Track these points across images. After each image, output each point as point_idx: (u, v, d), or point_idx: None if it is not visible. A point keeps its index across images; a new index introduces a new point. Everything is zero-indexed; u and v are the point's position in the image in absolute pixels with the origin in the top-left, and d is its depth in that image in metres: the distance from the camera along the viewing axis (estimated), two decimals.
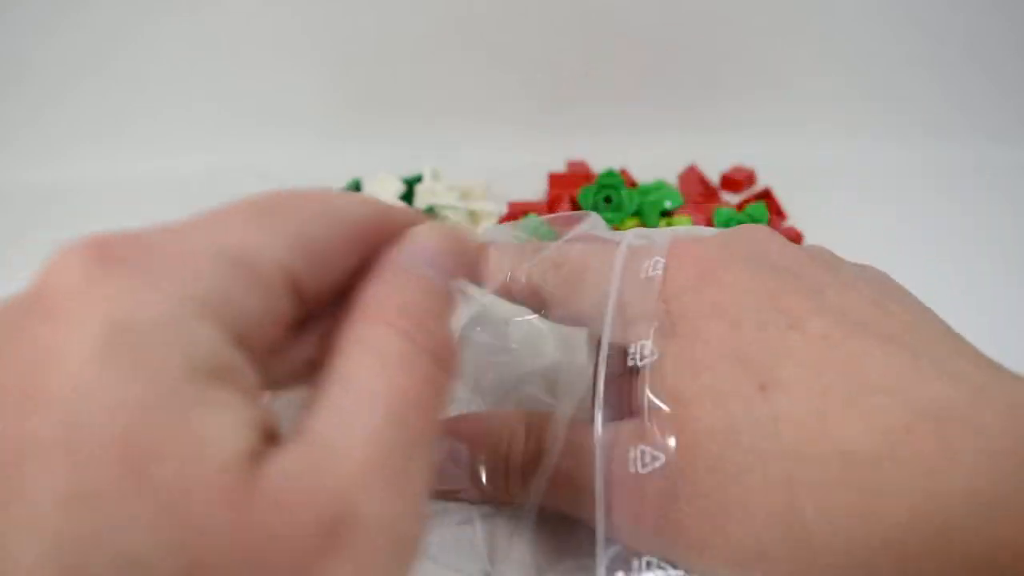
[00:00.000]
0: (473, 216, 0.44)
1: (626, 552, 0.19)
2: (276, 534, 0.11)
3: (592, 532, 0.20)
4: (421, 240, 0.16)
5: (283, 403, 0.16)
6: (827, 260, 0.22)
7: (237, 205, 0.14)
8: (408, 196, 0.45)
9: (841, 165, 0.51)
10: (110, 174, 0.52)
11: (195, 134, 0.55)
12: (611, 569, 0.19)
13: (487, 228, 0.32)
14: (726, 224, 0.42)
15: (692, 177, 0.48)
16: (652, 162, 0.48)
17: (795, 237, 0.41)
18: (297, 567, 0.11)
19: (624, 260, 0.22)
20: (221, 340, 0.12)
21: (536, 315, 0.25)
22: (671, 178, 0.48)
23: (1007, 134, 0.53)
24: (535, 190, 0.48)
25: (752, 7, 0.53)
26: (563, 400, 0.22)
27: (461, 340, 0.18)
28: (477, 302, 0.18)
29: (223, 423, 0.12)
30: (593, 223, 0.25)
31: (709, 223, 0.43)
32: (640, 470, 0.19)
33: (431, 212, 0.42)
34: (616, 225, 0.42)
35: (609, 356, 0.21)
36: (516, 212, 0.44)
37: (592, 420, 0.20)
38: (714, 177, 0.49)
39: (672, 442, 0.19)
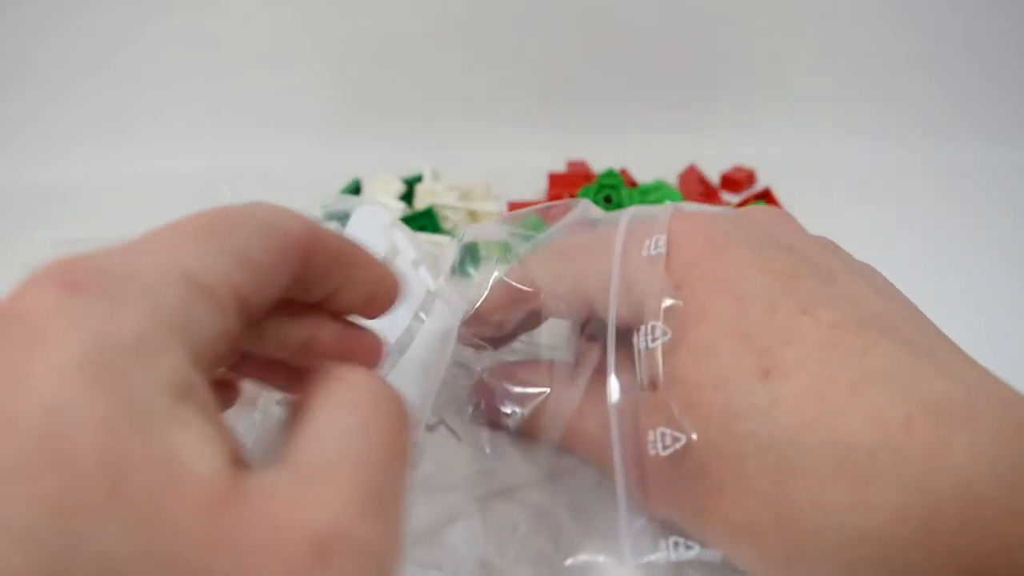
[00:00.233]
0: (473, 216, 0.44)
1: (651, 529, 0.20)
2: (266, 547, 0.12)
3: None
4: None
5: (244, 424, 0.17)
6: (834, 249, 0.22)
7: (185, 225, 0.15)
8: (408, 196, 0.45)
9: (841, 165, 0.51)
10: (110, 174, 0.52)
11: (195, 134, 0.55)
12: (637, 551, 0.19)
13: (476, 226, 0.32)
14: None
15: (692, 177, 0.48)
16: (652, 162, 0.48)
17: None
18: None
19: (624, 240, 0.22)
20: (185, 361, 0.13)
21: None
22: (671, 178, 0.48)
23: (1007, 134, 0.53)
24: (535, 190, 0.48)
25: (752, 7, 0.53)
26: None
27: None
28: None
29: (194, 438, 0.13)
30: (584, 208, 0.25)
31: None
32: (661, 452, 0.19)
33: (431, 212, 0.42)
34: None
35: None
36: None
37: (608, 399, 0.21)
38: (714, 177, 0.49)
39: (690, 425, 0.19)
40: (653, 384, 0.20)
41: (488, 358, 0.27)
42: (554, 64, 0.54)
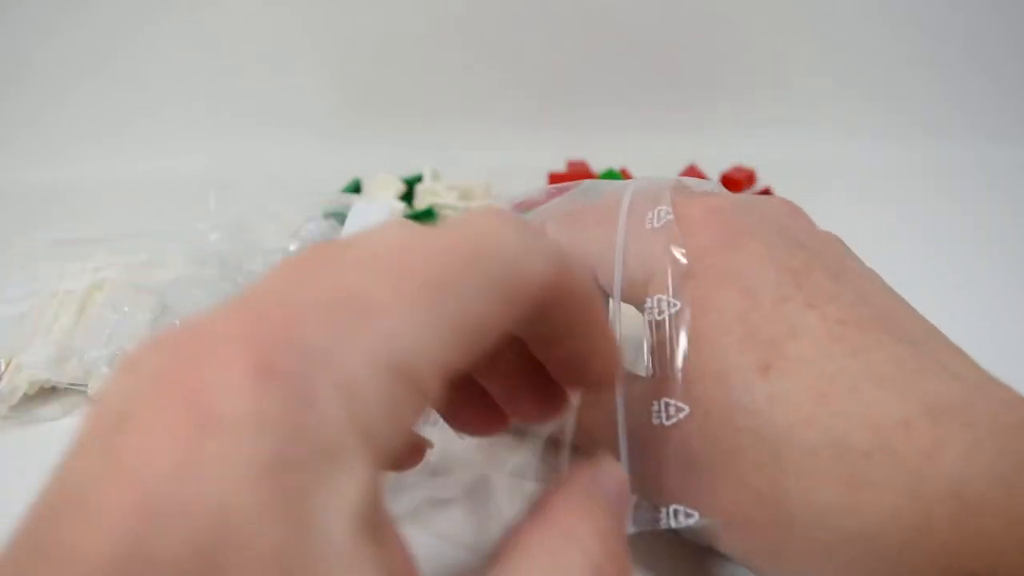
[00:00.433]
0: None
1: (646, 503, 0.20)
2: None
3: None
4: (612, 474, 0.17)
5: None
6: (843, 245, 0.22)
7: (410, 274, 0.13)
8: (408, 196, 0.45)
9: (841, 165, 0.51)
10: (110, 174, 0.52)
11: (195, 134, 0.55)
12: (638, 520, 0.19)
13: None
14: None
15: (692, 177, 0.48)
16: (652, 162, 0.48)
17: None
18: None
19: (628, 211, 0.22)
20: (372, 474, 0.12)
21: None
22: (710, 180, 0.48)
23: (1007, 134, 0.53)
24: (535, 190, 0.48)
25: (752, 7, 0.53)
26: None
27: None
28: None
29: (365, 558, 0.11)
30: (589, 183, 0.26)
31: None
32: (665, 422, 0.19)
33: (431, 212, 0.42)
34: None
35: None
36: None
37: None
38: (714, 177, 0.49)
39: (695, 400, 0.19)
40: (661, 356, 0.20)
41: None
42: (554, 64, 0.54)
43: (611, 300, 0.22)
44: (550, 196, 0.27)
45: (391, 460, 0.13)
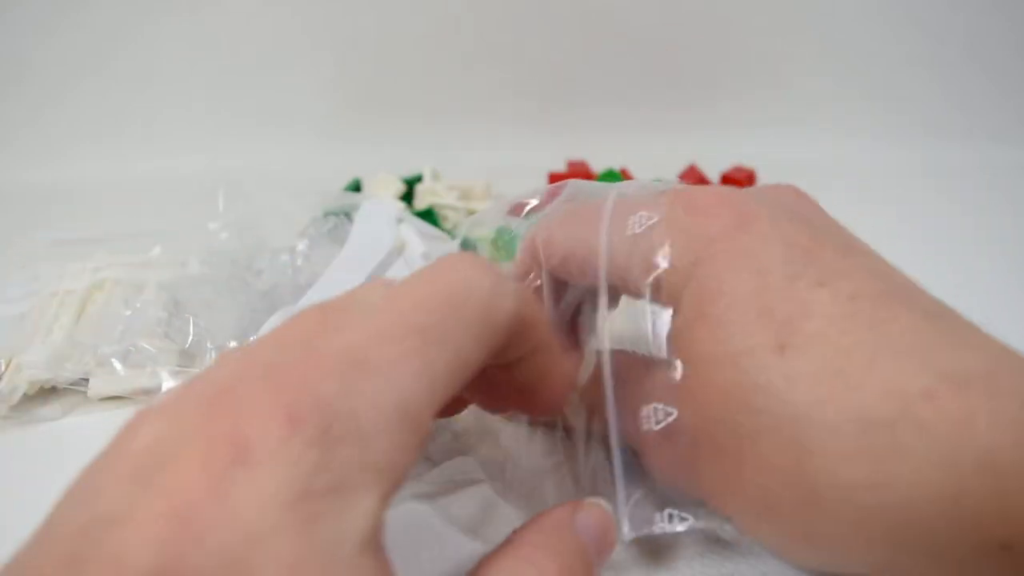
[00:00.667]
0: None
1: (647, 501, 0.20)
2: None
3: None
4: (595, 514, 0.19)
5: None
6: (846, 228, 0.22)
7: (405, 328, 0.15)
8: (408, 196, 0.45)
9: (841, 165, 0.51)
10: (110, 174, 0.52)
11: (195, 134, 0.55)
12: (634, 524, 0.20)
13: (472, 217, 0.33)
14: None
15: (692, 177, 0.48)
16: (652, 162, 0.48)
17: None
18: None
19: (610, 219, 0.22)
20: (379, 504, 0.14)
21: None
22: (671, 178, 0.48)
23: (1007, 134, 0.53)
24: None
25: (752, 7, 0.53)
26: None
27: None
28: None
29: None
30: (574, 187, 0.26)
31: None
32: (654, 427, 0.20)
33: (431, 212, 0.42)
34: None
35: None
36: (517, 213, 0.44)
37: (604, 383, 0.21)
38: (714, 177, 0.49)
39: (685, 397, 0.19)
40: (646, 359, 0.20)
41: None
42: (554, 64, 0.54)
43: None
44: (550, 196, 0.27)
45: (396, 489, 0.15)
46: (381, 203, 0.37)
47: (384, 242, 0.34)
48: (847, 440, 0.16)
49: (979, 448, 0.15)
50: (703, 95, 0.55)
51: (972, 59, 0.54)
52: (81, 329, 0.32)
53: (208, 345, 0.31)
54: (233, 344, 0.31)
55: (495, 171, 0.47)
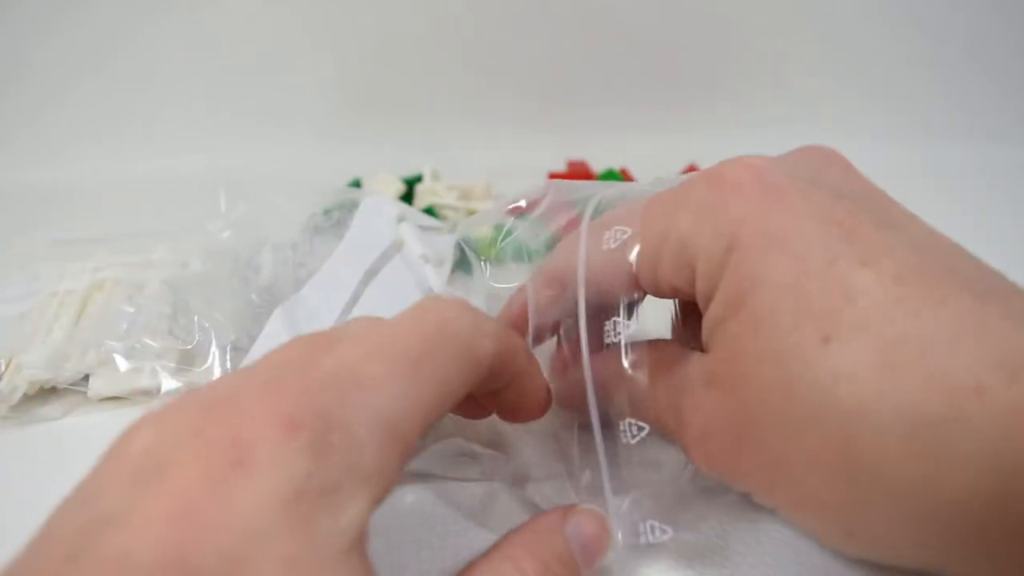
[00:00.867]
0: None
1: (631, 512, 0.20)
2: None
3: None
4: (586, 521, 0.20)
5: None
6: (881, 191, 0.21)
7: (397, 352, 0.17)
8: (408, 196, 0.45)
9: None
10: (110, 174, 0.52)
11: (195, 134, 0.55)
12: (625, 535, 0.20)
13: (471, 218, 0.33)
14: None
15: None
16: (652, 162, 0.48)
17: None
18: None
19: (587, 239, 0.22)
20: (367, 508, 0.15)
21: None
22: (671, 175, 0.48)
23: (1007, 134, 0.53)
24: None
25: (752, 7, 0.53)
26: None
27: None
28: None
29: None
30: (555, 190, 0.26)
31: None
32: (631, 441, 0.20)
33: (431, 212, 0.42)
34: None
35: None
36: (516, 213, 0.44)
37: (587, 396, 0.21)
38: None
39: (724, 393, 0.19)
40: (620, 371, 0.21)
41: None
42: (554, 64, 0.54)
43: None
44: (532, 205, 0.27)
45: (383, 497, 0.16)
46: (382, 200, 0.37)
47: (382, 239, 0.34)
48: (895, 438, 0.16)
49: None
50: (703, 95, 0.55)
51: (972, 59, 0.54)
52: (81, 329, 0.32)
53: (212, 348, 0.31)
54: (233, 338, 0.31)
55: (495, 171, 0.47)
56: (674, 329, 0.24)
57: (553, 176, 0.48)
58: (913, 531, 0.16)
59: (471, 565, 0.19)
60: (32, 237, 0.43)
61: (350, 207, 0.38)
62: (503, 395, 0.21)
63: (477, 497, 0.24)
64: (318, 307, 0.31)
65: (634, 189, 0.24)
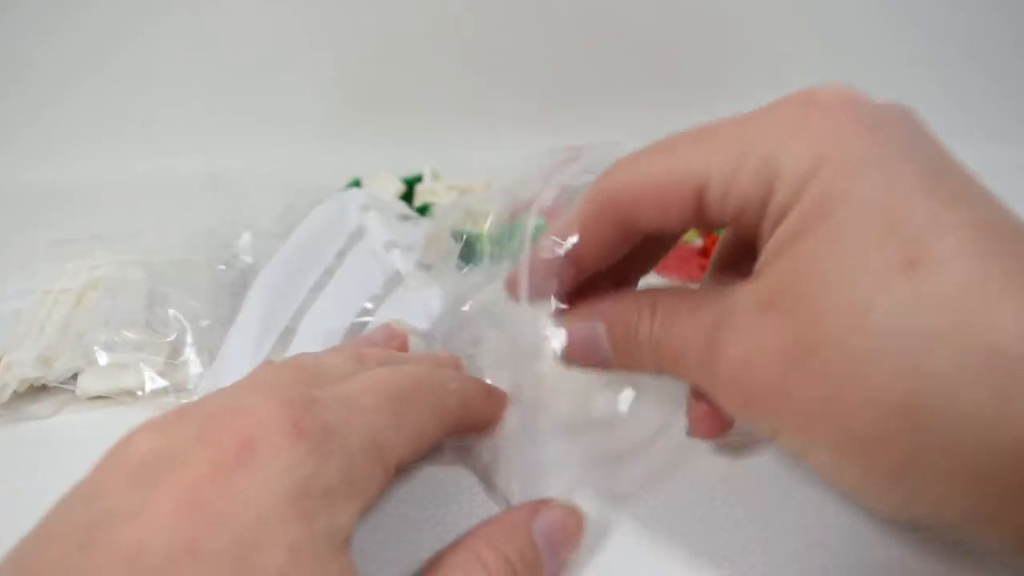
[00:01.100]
0: (473, 216, 0.44)
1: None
2: None
3: None
4: (553, 516, 0.22)
5: None
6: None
7: (384, 387, 0.20)
8: (408, 196, 0.45)
9: None
10: (110, 174, 0.52)
11: (195, 134, 0.55)
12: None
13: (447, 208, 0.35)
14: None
15: None
16: None
17: None
18: None
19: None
20: (355, 516, 0.17)
21: None
22: None
23: (1007, 134, 0.53)
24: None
25: (752, 7, 0.53)
26: None
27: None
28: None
29: (347, 572, 0.17)
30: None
31: None
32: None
33: (427, 209, 0.42)
34: None
35: None
36: (516, 212, 0.44)
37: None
38: None
39: (781, 315, 0.18)
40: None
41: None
42: (554, 64, 0.54)
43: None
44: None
45: (369, 507, 0.18)
46: (352, 193, 0.38)
47: (345, 227, 0.35)
48: (972, 371, 0.15)
49: None
50: (703, 95, 0.55)
51: (972, 59, 0.54)
52: (71, 327, 0.32)
53: (188, 339, 0.31)
54: (206, 324, 0.32)
55: (495, 171, 0.47)
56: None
57: None
58: (968, 474, 0.16)
59: (437, 557, 0.20)
60: (32, 237, 0.43)
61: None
62: (465, 427, 0.24)
63: (447, 491, 0.25)
64: (286, 292, 0.32)
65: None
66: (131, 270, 0.35)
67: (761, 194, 0.19)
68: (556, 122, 0.55)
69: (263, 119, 0.55)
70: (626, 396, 0.26)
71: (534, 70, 0.55)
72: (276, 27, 0.54)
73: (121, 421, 0.18)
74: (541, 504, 0.22)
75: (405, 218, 0.38)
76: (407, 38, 0.54)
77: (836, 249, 0.17)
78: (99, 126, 0.55)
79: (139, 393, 0.30)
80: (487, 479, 0.25)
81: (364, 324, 0.31)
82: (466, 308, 0.31)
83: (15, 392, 0.29)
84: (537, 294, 0.24)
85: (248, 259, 0.35)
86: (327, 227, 0.35)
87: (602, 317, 0.23)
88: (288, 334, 0.31)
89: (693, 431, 0.25)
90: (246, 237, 0.36)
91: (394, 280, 0.33)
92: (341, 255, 0.34)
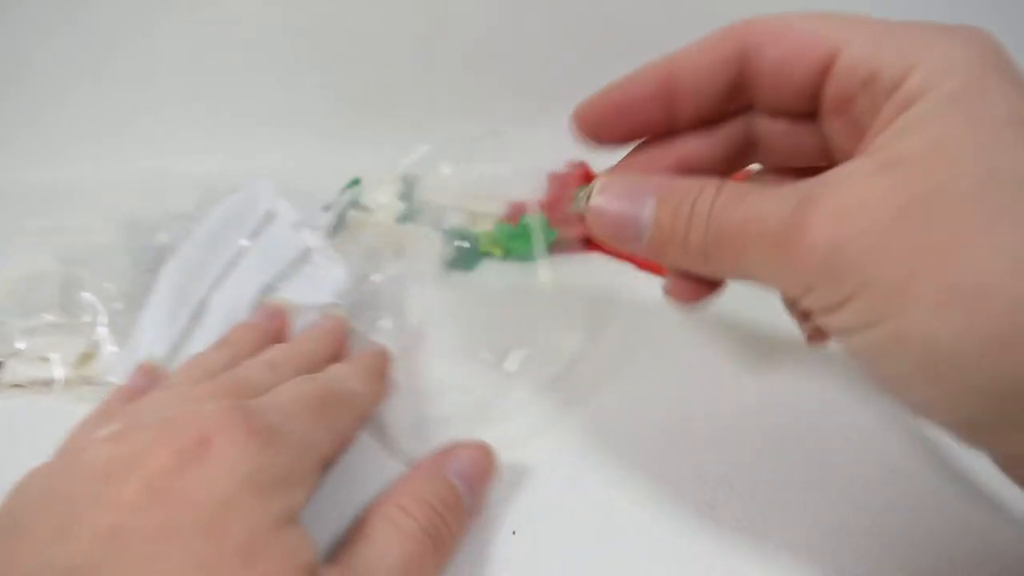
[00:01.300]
0: (473, 216, 0.44)
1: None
2: None
3: None
4: (465, 455, 0.25)
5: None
6: None
7: (309, 394, 0.24)
8: (408, 196, 0.45)
9: None
10: (110, 174, 0.52)
11: (195, 134, 0.55)
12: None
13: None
14: None
15: None
16: None
17: None
18: None
19: None
20: (302, 501, 0.20)
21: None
22: None
23: None
24: (535, 190, 0.48)
25: (752, 7, 0.53)
26: None
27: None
28: None
29: (300, 542, 0.19)
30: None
31: None
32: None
33: (428, 211, 0.42)
34: None
35: None
36: (516, 212, 0.44)
37: None
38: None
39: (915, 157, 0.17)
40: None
41: None
42: (554, 64, 0.54)
43: None
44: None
45: (309, 497, 0.21)
46: (262, 182, 0.39)
47: (255, 210, 0.37)
48: None
49: None
50: None
51: None
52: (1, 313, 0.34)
53: (99, 319, 0.33)
54: (121, 305, 0.33)
55: (495, 171, 0.47)
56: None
57: (553, 176, 0.48)
58: None
59: (363, 514, 0.23)
60: (32, 235, 0.43)
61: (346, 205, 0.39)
62: None
63: (364, 464, 0.28)
64: (199, 269, 0.34)
65: None
66: (47, 256, 0.36)
67: (895, 75, 0.18)
68: (556, 122, 0.54)
69: (263, 119, 0.55)
70: (516, 356, 0.31)
71: (534, 70, 0.55)
72: (276, 27, 0.54)
73: (37, 409, 0.21)
74: (450, 449, 0.26)
75: (326, 208, 0.41)
76: (407, 38, 0.54)
77: (966, 115, 0.16)
78: (99, 126, 0.55)
79: (54, 381, 0.31)
80: (388, 441, 0.29)
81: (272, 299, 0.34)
82: (370, 282, 0.35)
83: None
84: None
85: (165, 239, 0.36)
86: (240, 210, 0.37)
87: (654, 187, 0.21)
88: (200, 309, 0.33)
89: (671, 292, 0.23)
90: (167, 223, 0.38)
91: (304, 258, 0.35)
92: (254, 235, 0.36)
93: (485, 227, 0.44)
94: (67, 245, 0.37)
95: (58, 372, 0.31)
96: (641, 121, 0.24)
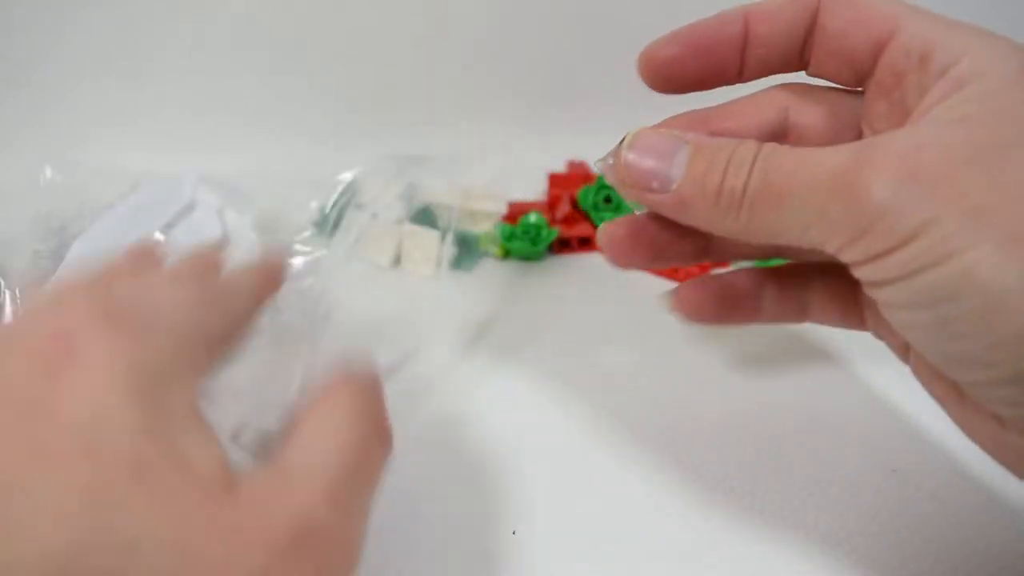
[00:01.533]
0: (473, 216, 0.44)
1: None
2: (252, 534, 0.15)
3: None
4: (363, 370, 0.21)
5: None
6: None
7: (183, 278, 0.20)
8: (408, 196, 0.45)
9: None
10: (110, 174, 0.52)
11: (195, 134, 0.55)
12: None
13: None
14: None
15: None
16: None
17: None
18: (268, 563, 0.15)
19: None
20: (195, 386, 0.17)
21: None
22: None
23: None
24: (535, 190, 0.48)
25: None
26: None
27: None
28: None
29: (201, 445, 0.16)
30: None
31: None
32: None
33: (426, 211, 0.42)
34: None
35: None
36: (516, 212, 0.44)
37: None
38: None
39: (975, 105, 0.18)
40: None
41: None
42: (554, 64, 0.54)
43: None
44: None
45: (201, 381, 0.18)
46: (184, 171, 0.39)
47: (175, 199, 0.37)
48: None
49: None
50: (703, 95, 0.55)
51: None
52: None
53: (6, 304, 0.33)
54: (19, 291, 0.33)
55: (495, 171, 0.47)
56: None
57: (553, 176, 0.48)
58: None
59: (295, 426, 0.18)
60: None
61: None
62: None
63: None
64: (105, 251, 0.34)
65: None
66: None
67: (946, 60, 0.19)
68: (556, 122, 0.55)
69: (262, 119, 0.55)
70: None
71: (534, 70, 0.55)
72: (276, 27, 0.54)
73: None
74: (345, 365, 0.21)
75: (249, 200, 0.40)
76: (406, 39, 0.54)
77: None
78: (99, 126, 0.55)
79: None
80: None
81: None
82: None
83: None
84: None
85: (76, 228, 0.36)
86: (157, 197, 0.37)
87: (690, 138, 0.21)
88: None
89: (679, 307, 0.25)
90: (84, 217, 0.37)
91: (187, 209, 0.35)
92: (168, 227, 0.35)
93: (485, 227, 0.44)
94: None
95: None
96: (713, 63, 0.24)
